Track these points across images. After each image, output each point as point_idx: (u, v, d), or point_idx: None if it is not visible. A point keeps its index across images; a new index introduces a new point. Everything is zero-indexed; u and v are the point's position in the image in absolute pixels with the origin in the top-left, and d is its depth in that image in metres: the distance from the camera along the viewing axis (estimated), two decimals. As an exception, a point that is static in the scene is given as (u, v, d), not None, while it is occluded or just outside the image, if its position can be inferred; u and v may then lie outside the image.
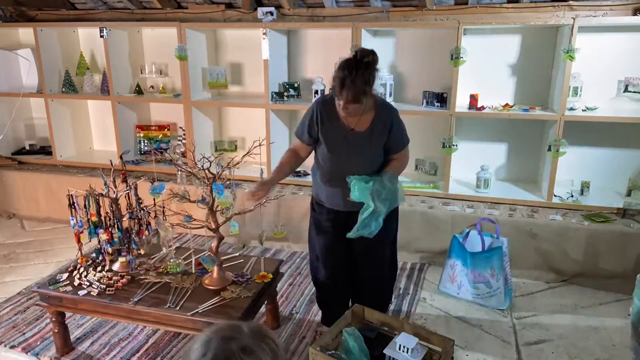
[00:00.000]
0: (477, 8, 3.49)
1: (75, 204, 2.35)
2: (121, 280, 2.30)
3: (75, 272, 2.40)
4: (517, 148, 3.68)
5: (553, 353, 2.45)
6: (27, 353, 2.45)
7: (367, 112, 2.19)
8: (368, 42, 3.54)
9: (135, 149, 4.35)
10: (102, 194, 2.35)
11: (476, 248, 2.88)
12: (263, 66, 3.64)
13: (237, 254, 2.63)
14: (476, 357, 2.41)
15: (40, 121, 4.60)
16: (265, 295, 2.40)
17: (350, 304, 2.54)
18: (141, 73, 4.24)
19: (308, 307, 2.85)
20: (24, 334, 2.60)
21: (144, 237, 2.43)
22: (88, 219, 2.37)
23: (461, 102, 3.40)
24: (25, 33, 4.45)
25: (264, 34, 3.56)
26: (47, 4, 4.37)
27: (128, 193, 2.39)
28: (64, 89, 4.25)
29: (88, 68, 4.36)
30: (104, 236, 2.38)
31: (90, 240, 2.42)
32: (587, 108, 3.28)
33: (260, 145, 2.30)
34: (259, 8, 3.73)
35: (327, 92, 3.71)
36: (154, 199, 2.32)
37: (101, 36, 3.89)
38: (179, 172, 2.36)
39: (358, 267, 2.46)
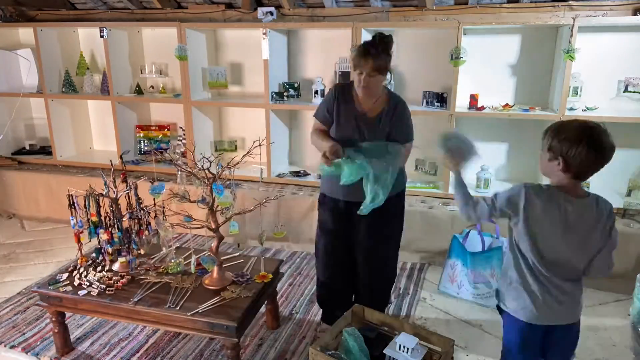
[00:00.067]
0: (477, 8, 3.49)
1: (75, 204, 2.34)
2: (121, 280, 2.30)
3: (75, 272, 2.40)
4: (517, 148, 3.68)
5: (553, 353, 2.45)
6: (27, 353, 2.45)
7: (379, 99, 2.27)
8: (368, 42, 3.54)
9: (135, 149, 4.35)
10: (102, 194, 2.35)
11: (476, 248, 2.88)
12: (263, 66, 3.64)
13: (237, 254, 2.63)
14: (476, 357, 2.41)
15: (40, 121, 4.60)
16: (265, 295, 2.40)
17: (352, 304, 2.54)
18: (141, 73, 4.24)
19: (308, 307, 2.85)
20: (24, 334, 2.60)
21: (144, 237, 2.43)
22: (88, 219, 2.36)
23: (461, 102, 3.40)
24: (25, 33, 4.45)
25: (264, 34, 3.56)
26: (47, 4, 4.37)
27: (128, 193, 2.39)
28: (64, 89, 4.25)
29: (88, 68, 4.36)
30: (104, 236, 2.38)
31: (90, 240, 2.42)
32: (587, 108, 3.28)
33: (260, 145, 2.29)
34: (259, 8, 3.73)
35: (327, 91, 3.70)
36: (154, 199, 2.32)
37: (101, 36, 3.89)
38: (179, 172, 2.36)
39: (360, 267, 2.46)
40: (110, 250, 2.42)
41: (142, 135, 4.34)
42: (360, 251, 2.42)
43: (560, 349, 1.77)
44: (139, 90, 4.18)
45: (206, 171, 2.19)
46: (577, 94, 3.31)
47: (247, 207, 2.33)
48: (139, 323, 2.37)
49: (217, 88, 4.07)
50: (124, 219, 2.39)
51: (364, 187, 2.15)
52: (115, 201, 2.34)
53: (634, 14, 3.23)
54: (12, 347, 2.49)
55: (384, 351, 2.05)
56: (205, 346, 2.48)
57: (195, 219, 2.25)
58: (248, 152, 2.25)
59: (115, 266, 2.42)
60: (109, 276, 2.34)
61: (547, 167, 1.62)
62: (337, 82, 3.72)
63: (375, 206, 2.15)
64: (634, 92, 3.28)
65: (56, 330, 2.39)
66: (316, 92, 3.69)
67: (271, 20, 3.67)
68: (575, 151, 1.51)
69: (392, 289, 2.63)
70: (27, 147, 4.57)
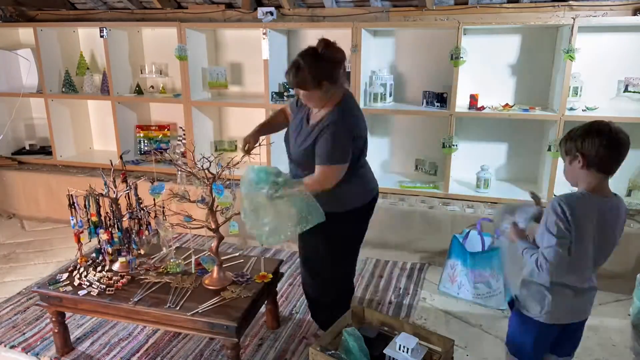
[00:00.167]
0: (477, 8, 3.49)
1: (75, 204, 2.34)
2: (121, 280, 2.30)
3: (75, 272, 2.40)
4: (517, 148, 3.68)
5: (553, 353, 2.45)
6: (27, 353, 2.45)
7: (324, 112, 2.12)
8: (368, 42, 3.55)
9: (135, 149, 4.35)
10: (102, 194, 2.35)
11: (476, 248, 2.88)
12: (263, 66, 3.64)
13: (237, 254, 2.63)
14: (476, 357, 2.41)
15: (40, 121, 4.60)
16: (265, 295, 2.40)
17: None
18: (141, 73, 4.24)
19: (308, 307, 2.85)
20: (24, 334, 2.60)
21: (144, 237, 2.43)
22: (88, 219, 2.36)
23: (461, 102, 3.40)
24: (25, 33, 4.45)
25: (264, 34, 3.56)
26: (47, 4, 4.37)
27: (128, 193, 2.39)
28: (64, 89, 4.25)
29: (88, 68, 4.36)
30: (104, 236, 2.38)
31: (90, 240, 2.42)
32: (587, 108, 3.28)
33: (260, 145, 2.30)
34: (259, 8, 3.73)
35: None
36: (154, 199, 2.32)
37: (101, 36, 3.89)
38: (179, 172, 2.36)
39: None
40: (110, 250, 2.42)
41: (142, 135, 4.34)
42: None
43: (571, 343, 1.87)
44: (139, 90, 4.18)
45: (206, 171, 2.19)
46: (577, 94, 3.31)
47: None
48: (139, 323, 2.37)
49: (217, 88, 4.07)
50: (124, 219, 2.39)
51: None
52: (115, 201, 2.34)
53: (634, 14, 3.23)
54: (12, 347, 2.49)
55: (384, 351, 2.05)
56: (205, 346, 2.48)
57: (195, 219, 2.25)
58: (248, 152, 2.25)
59: (115, 266, 2.42)
60: (109, 276, 2.34)
61: (571, 172, 1.67)
62: None
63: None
64: (634, 92, 3.28)
65: (56, 330, 2.39)
66: (316, 92, 3.68)
67: (271, 20, 3.67)
68: (589, 142, 1.58)
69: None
70: (27, 147, 4.57)
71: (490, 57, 3.53)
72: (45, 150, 4.49)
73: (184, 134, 4.07)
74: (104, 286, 2.27)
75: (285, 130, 2.39)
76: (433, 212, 3.31)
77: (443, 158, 3.52)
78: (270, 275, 2.38)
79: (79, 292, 2.24)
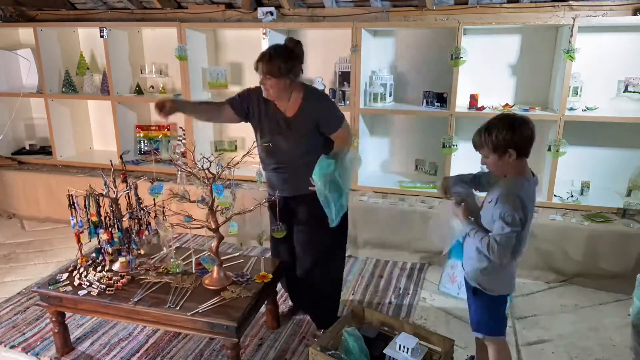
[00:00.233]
0: (477, 8, 3.49)
1: (75, 204, 2.35)
2: (121, 280, 2.30)
3: (75, 272, 2.40)
4: (517, 148, 3.68)
5: (553, 353, 2.45)
6: (27, 353, 2.45)
7: (295, 99, 2.32)
8: (368, 42, 3.54)
9: (135, 149, 4.35)
10: (102, 194, 2.35)
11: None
12: (263, 66, 3.63)
13: (237, 254, 2.63)
14: (476, 357, 2.41)
15: (40, 121, 4.60)
16: (265, 295, 2.40)
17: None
18: (141, 73, 4.24)
19: (308, 307, 2.85)
20: (24, 334, 2.60)
21: (144, 237, 2.43)
22: (88, 219, 2.37)
23: (461, 102, 3.40)
24: (25, 33, 4.45)
25: (264, 34, 3.56)
26: (47, 4, 4.37)
27: (128, 193, 2.39)
28: (64, 89, 4.25)
29: (88, 68, 4.36)
30: (104, 236, 2.38)
31: (90, 240, 2.42)
32: (587, 108, 3.28)
33: (260, 145, 2.29)
34: (259, 8, 3.73)
35: (327, 91, 3.71)
36: (154, 199, 2.32)
37: (101, 36, 3.89)
38: (179, 172, 2.36)
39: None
40: (110, 250, 2.42)
41: (142, 135, 4.34)
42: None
43: None
44: (139, 90, 4.17)
45: (206, 171, 2.20)
46: (577, 94, 3.31)
47: (247, 207, 2.33)
48: (139, 323, 2.37)
49: (217, 88, 4.07)
50: (124, 219, 2.39)
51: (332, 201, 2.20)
52: (115, 201, 2.34)
53: (634, 14, 3.23)
54: (12, 347, 2.49)
55: (384, 351, 2.05)
56: (205, 346, 2.48)
57: (195, 219, 2.25)
58: (248, 152, 2.25)
59: (115, 266, 2.42)
60: (109, 276, 2.34)
61: (501, 165, 1.82)
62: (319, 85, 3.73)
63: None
64: (634, 92, 3.28)
65: (56, 330, 2.39)
66: (316, 92, 3.68)
67: (271, 20, 3.67)
68: (517, 132, 1.75)
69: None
70: (27, 147, 4.57)
71: (490, 57, 3.53)
72: (45, 150, 4.49)
73: (184, 134, 4.07)
74: (104, 286, 2.27)
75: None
76: (433, 212, 3.31)
77: (443, 158, 3.52)
78: (270, 275, 2.38)
79: (79, 292, 2.24)
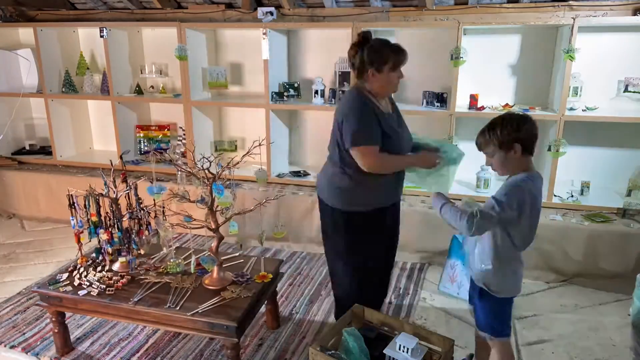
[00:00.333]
0: (477, 8, 3.49)
1: (75, 204, 2.35)
2: (121, 280, 2.30)
3: (75, 272, 2.40)
4: (517, 148, 3.68)
5: (553, 353, 2.45)
6: (27, 353, 2.45)
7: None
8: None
9: (135, 149, 4.35)
10: (102, 194, 2.35)
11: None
12: (263, 66, 3.64)
13: (237, 254, 2.63)
14: (476, 357, 2.41)
15: (40, 121, 4.60)
16: (265, 295, 2.40)
17: None
18: (141, 73, 4.24)
19: (308, 307, 2.85)
20: (24, 334, 2.60)
21: (144, 237, 2.43)
22: (88, 219, 2.37)
23: (461, 102, 3.40)
24: (25, 33, 4.45)
25: (264, 34, 3.56)
26: (47, 4, 4.37)
27: (128, 193, 2.39)
28: (64, 89, 4.25)
29: (88, 68, 4.36)
30: (104, 236, 2.38)
31: (90, 240, 2.42)
32: (587, 108, 3.28)
33: (260, 145, 2.30)
34: (259, 8, 3.73)
35: (327, 92, 3.71)
36: (154, 199, 2.32)
37: (101, 36, 3.89)
38: (179, 172, 2.36)
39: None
40: (110, 250, 2.42)
41: (142, 135, 4.34)
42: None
43: None
44: (139, 90, 4.18)
45: (206, 171, 2.20)
46: (577, 94, 3.31)
47: (247, 207, 2.33)
48: (139, 323, 2.37)
49: (217, 88, 4.07)
50: (124, 219, 2.39)
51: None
52: (115, 201, 2.34)
53: (634, 14, 3.23)
54: (12, 347, 2.49)
55: (384, 351, 2.05)
56: (205, 346, 2.48)
57: (195, 219, 2.25)
58: (248, 152, 2.25)
59: (115, 266, 2.42)
60: (109, 276, 2.34)
61: (506, 162, 1.82)
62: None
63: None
64: (634, 92, 3.28)
65: (56, 330, 2.39)
66: (316, 92, 3.69)
67: (271, 20, 3.67)
68: (522, 128, 1.77)
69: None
70: (27, 147, 4.57)
71: (490, 57, 3.53)
72: (45, 150, 4.49)
73: (184, 134, 4.07)
74: (104, 286, 2.27)
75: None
76: (433, 212, 3.30)
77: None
78: (270, 275, 2.39)
79: (79, 292, 2.24)
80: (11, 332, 2.61)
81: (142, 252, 2.51)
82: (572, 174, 3.53)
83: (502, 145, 1.79)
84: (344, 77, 3.69)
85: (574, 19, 3.02)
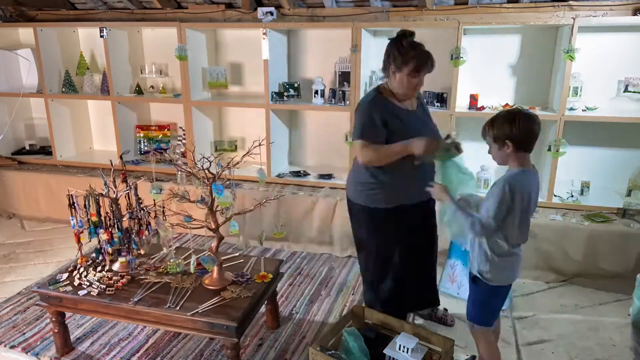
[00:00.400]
0: (477, 8, 3.49)
1: (75, 204, 2.35)
2: (121, 280, 2.30)
3: (75, 272, 2.40)
4: (517, 148, 3.68)
5: (553, 353, 2.45)
6: (27, 353, 2.45)
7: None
8: (368, 42, 3.54)
9: (135, 149, 4.35)
10: (102, 194, 2.35)
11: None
12: (263, 66, 3.64)
13: (237, 254, 2.63)
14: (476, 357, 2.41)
15: (40, 121, 4.60)
16: (265, 295, 2.40)
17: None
18: (141, 73, 4.24)
19: (308, 307, 2.85)
20: (24, 334, 2.60)
21: (144, 237, 2.43)
22: (88, 219, 2.37)
23: (461, 102, 3.40)
24: (25, 33, 4.45)
25: (264, 34, 3.56)
26: (47, 4, 4.37)
27: (128, 193, 2.39)
28: (64, 89, 4.25)
29: (88, 68, 4.36)
30: (104, 236, 2.38)
31: (90, 240, 2.42)
32: (587, 108, 3.28)
33: (260, 145, 2.30)
34: (259, 8, 3.73)
35: (327, 92, 3.71)
36: (154, 199, 2.32)
37: (101, 36, 3.89)
38: (179, 172, 2.36)
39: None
40: (110, 250, 2.42)
41: (142, 135, 4.34)
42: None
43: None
44: (139, 90, 4.18)
45: (206, 171, 2.20)
46: (577, 94, 3.31)
47: (247, 207, 2.33)
48: (139, 323, 2.37)
49: (217, 88, 4.07)
50: (124, 219, 2.39)
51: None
52: (115, 201, 2.34)
53: (634, 14, 3.23)
54: (12, 347, 2.49)
55: (384, 351, 2.05)
56: (205, 346, 2.48)
57: (195, 219, 2.25)
58: (248, 152, 2.25)
59: (115, 266, 2.42)
60: (109, 276, 2.34)
61: (501, 156, 1.91)
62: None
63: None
64: (634, 92, 3.28)
65: (56, 330, 2.39)
66: (316, 92, 3.69)
67: (271, 20, 3.67)
68: (517, 126, 1.82)
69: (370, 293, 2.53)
70: (27, 147, 4.57)
71: (490, 57, 3.53)
72: (45, 150, 4.49)
73: (184, 134, 4.07)
74: (104, 286, 2.27)
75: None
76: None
77: (443, 158, 3.51)
78: (270, 275, 2.39)
79: (79, 292, 2.24)
80: (11, 332, 2.61)
81: (142, 252, 2.51)
82: (572, 174, 3.53)
83: (495, 140, 1.89)
84: (344, 77, 3.69)
85: (574, 19, 3.02)
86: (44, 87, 4.17)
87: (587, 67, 3.27)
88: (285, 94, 3.73)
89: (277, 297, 2.67)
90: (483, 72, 3.55)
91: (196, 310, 2.09)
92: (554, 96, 3.33)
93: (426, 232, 2.50)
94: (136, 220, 2.40)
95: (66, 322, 2.44)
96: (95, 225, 2.37)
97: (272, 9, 3.67)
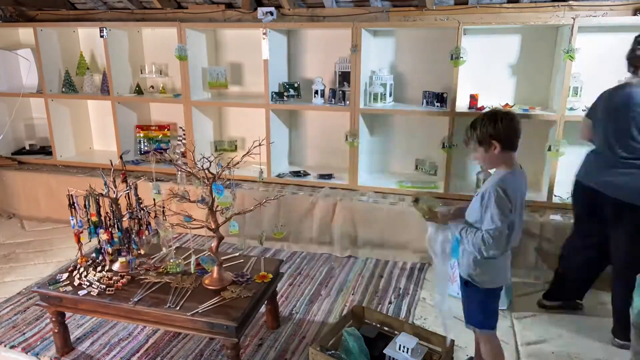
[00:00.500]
0: (477, 8, 3.49)
1: (75, 204, 2.35)
2: (121, 280, 2.30)
3: (75, 272, 2.40)
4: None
5: (553, 353, 2.45)
6: (27, 353, 2.45)
7: None
8: (368, 42, 3.54)
9: (135, 149, 4.36)
10: (102, 194, 2.35)
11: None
12: (263, 66, 3.64)
13: (237, 254, 2.63)
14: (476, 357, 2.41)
15: (40, 121, 4.60)
16: (265, 295, 2.40)
17: None
18: (141, 73, 4.24)
19: (308, 307, 2.85)
20: (24, 334, 2.60)
21: (144, 237, 2.43)
22: (88, 219, 2.37)
23: (461, 102, 3.40)
24: (25, 33, 4.45)
25: (264, 34, 3.56)
26: (47, 4, 4.37)
27: (128, 193, 2.39)
28: (64, 89, 4.25)
29: (88, 68, 4.37)
30: (104, 236, 2.38)
31: (90, 240, 2.42)
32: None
33: (260, 145, 2.30)
34: (259, 8, 3.73)
35: (327, 92, 3.71)
36: (154, 199, 2.32)
37: (101, 36, 3.89)
38: (179, 172, 2.36)
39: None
40: (110, 250, 2.42)
41: (142, 135, 4.34)
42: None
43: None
44: (139, 90, 4.18)
45: (206, 171, 2.20)
46: (577, 94, 3.31)
47: (247, 207, 2.33)
48: (139, 323, 2.37)
49: (217, 88, 4.07)
50: (124, 219, 2.39)
51: None
52: (115, 201, 2.34)
53: (634, 14, 3.23)
54: (12, 347, 2.49)
55: (384, 351, 2.05)
56: (205, 346, 2.48)
57: (195, 219, 2.25)
58: (248, 152, 2.25)
59: (115, 266, 2.42)
60: (109, 276, 2.34)
61: (488, 158, 1.90)
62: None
63: None
64: (634, 92, 3.27)
65: (56, 330, 2.39)
66: (316, 92, 3.69)
67: (271, 20, 3.67)
68: (500, 124, 1.83)
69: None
70: (27, 147, 4.57)
71: (490, 57, 3.53)
72: (45, 150, 4.49)
73: (184, 134, 4.07)
74: (104, 286, 2.27)
75: None
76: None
77: (443, 158, 3.52)
78: (270, 275, 2.39)
79: (79, 292, 2.24)
80: (11, 332, 2.61)
81: (142, 252, 2.51)
82: (572, 174, 3.52)
83: (481, 142, 1.88)
84: (344, 77, 3.69)
85: (574, 19, 3.02)
86: (44, 87, 4.17)
87: (587, 67, 3.27)
88: (285, 94, 3.74)
89: (277, 297, 2.67)
90: (483, 72, 3.55)
91: (196, 310, 2.09)
92: (554, 96, 3.33)
93: (610, 230, 2.52)
94: (136, 220, 2.40)
95: (66, 322, 2.44)
96: (95, 225, 2.37)
97: (272, 9, 3.68)
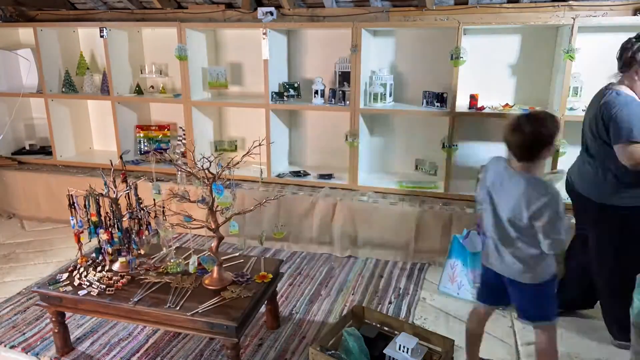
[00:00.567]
0: (477, 8, 3.49)
1: (75, 204, 2.35)
2: (121, 280, 2.30)
3: (75, 272, 2.40)
4: (517, 148, 3.68)
5: (553, 353, 2.45)
6: (27, 353, 2.45)
7: None
8: (368, 42, 3.55)
9: (135, 149, 4.36)
10: (102, 194, 2.35)
11: (476, 248, 2.88)
12: (263, 66, 3.64)
13: (237, 254, 2.63)
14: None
15: (40, 121, 4.60)
16: (265, 295, 2.40)
17: None
18: (141, 73, 4.24)
19: (308, 307, 2.85)
20: (24, 334, 2.60)
21: (144, 237, 2.43)
22: (88, 219, 2.37)
23: (461, 102, 3.40)
24: (25, 33, 4.45)
25: (264, 34, 3.56)
26: (47, 4, 4.37)
27: (128, 193, 2.39)
28: (64, 89, 4.25)
29: (88, 68, 4.37)
30: (104, 236, 2.38)
31: (90, 240, 2.42)
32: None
33: (260, 145, 2.30)
34: (259, 8, 3.73)
35: (327, 92, 3.71)
36: (154, 199, 2.32)
37: (101, 36, 3.89)
38: (179, 172, 2.36)
39: None
40: (110, 250, 2.42)
41: (142, 135, 4.34)
42: None
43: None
44: (139, 90, 4.18)
45: (206, 171, 2.20)
46: (577, 94, 3.31)
47: (247, 207, 2.33)
48: (139, 323, 2.37)
49: (217, 88, 4.07)
50: (124, 219, 2.39)
51: None
52: (115, 201, 2.34)
53: (634, 14, 3.23)
54: (12, 347, 2.49)
55: (384, 351, 2.05)
56: (205, 346, 2.48)
57: (195, 219, 2.25)
58: (248, 152, 2.25)
59: (115, 266, 2.42)
60: (109, 276, 2.34)
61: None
62: (333, 83, 3.70)
63: None
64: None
65: (56, 330, 2.39)
66: (316, 92, 3.69)
67: (271, 20, 3.67)
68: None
69: None
70: (27, 147, 4.57)
71: (490, 57, 3.53)
72: (45, 150, 4.49)
73: (184, 134, 4.07)
74: (104, 286, 2.27)
75: None
76: (433, 212, 3.31)
77: (443, 158, 3.52)
78: (270, 275, 2.39)
79: (79, 292, 2.24)
80: (11, 332, 2.61)
81: (142, 252, 2.51)
82: (572, 174, 3.52)
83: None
84: (344, 77, 3.69)
85: (574, 19, 3.02)
86: (44, 87, 4.17)
87: (587, 67, 3.27)
88: (285, 94, 3.74)
89: (277, 297, 2.67)
90: (483, 72, 3.55)
91: (196, 310, 2.09)
92: (554, 96, 3.33)
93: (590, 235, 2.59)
94: (136, 220, 2.40)
95: (66, 322, 2.44)
96: (95, 225, 2.37)
97: (272, 9, 3.68)
